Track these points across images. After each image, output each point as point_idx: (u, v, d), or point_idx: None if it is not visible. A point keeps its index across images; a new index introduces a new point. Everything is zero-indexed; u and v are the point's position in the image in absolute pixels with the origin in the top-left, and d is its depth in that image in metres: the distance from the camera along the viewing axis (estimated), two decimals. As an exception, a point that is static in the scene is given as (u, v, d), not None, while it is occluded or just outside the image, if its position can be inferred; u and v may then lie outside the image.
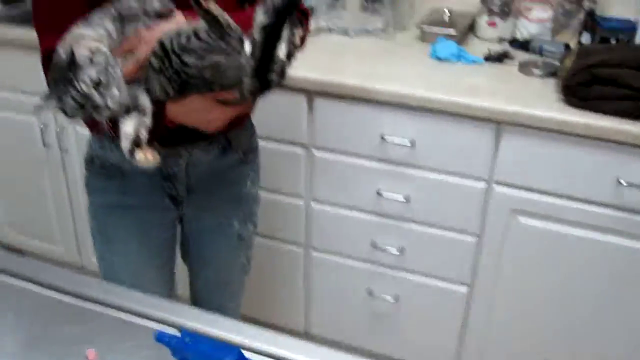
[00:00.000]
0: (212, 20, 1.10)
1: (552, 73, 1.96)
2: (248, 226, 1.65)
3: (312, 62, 2.07)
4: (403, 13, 2.34)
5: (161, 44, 1.11)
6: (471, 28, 2.34)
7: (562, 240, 1.91)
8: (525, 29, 2.24)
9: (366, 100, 1.95)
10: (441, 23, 2.26)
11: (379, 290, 2.23)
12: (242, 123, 1.51)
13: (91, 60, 1.03)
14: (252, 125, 1.60)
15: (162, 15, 1.16)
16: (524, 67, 2.02)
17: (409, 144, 1.95)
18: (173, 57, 1.10)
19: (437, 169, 1.97)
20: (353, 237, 2.18)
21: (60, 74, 1.03)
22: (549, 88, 1.90)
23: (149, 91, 1.15)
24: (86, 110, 1.04)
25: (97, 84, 1.02)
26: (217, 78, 1.13)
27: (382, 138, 1.98)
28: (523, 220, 1.93)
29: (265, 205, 2.22)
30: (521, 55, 2.14)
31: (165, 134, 1.22)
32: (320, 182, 2.14)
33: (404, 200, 2.04)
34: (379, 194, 2.06)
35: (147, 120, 1.14)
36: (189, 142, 1.42)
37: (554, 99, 1.83)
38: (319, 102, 2.01)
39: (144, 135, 1.14)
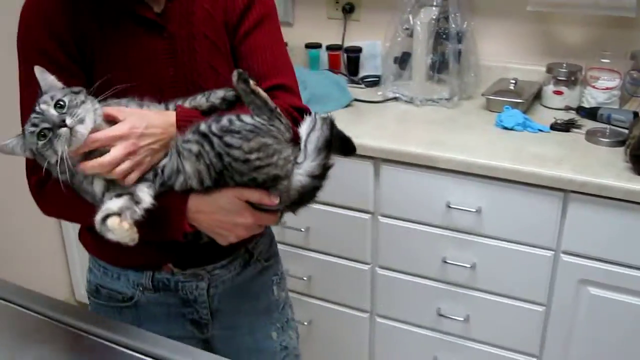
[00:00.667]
0: (261, 103, 1.12)
1: (620, 142, 1.95)
2: (289, 333, 1.55)
3: (379, 130, 2.13)
4: (468, 83, 2.39)
5: (197, 130, 1.10)
6: (537, 96, 2.35)
7: (633, 311, 1.86)
8: (593, 97, 2.24)
9: (432, 168, 1.98)
10: (507, 92, 2.29)
11: (445, 359, 2.20)
12: (264, 230, 1.41)
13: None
14: (271, 229, 1.53)
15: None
16: (591, 136, 2.02)
17: (474, 212, 1.96)
18: (214, 139, 1.08)
19: (503, 237, 1.97)
20: (418, 304, 2.17)
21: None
22: (617, 157, 1.88)
23: (163, 184, 1.13)
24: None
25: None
26: (264, 162, 1.10)
27: (448, 206, 1.99)
28: (592, 290, 1.89)
29: (331, 270, 2.25)
30: (588, 124, 2.13)
31: (181, 241, 1.18)
32: (385, 248, 2.16)
33: (470, 268, 2.03)
34: (444, 261, 2.06)
35: (138, 212, 1.08)
36: (209, 262, 1.35)
37: (622, 168, 1.81)
38: (385, 169, 2.05)
39: (127, 218, 1.06)
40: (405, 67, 2.39)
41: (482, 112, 2.30)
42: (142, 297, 1.36)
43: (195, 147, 1.10)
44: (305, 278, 2.32)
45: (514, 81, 2.33)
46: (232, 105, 1.21)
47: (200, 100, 1.21)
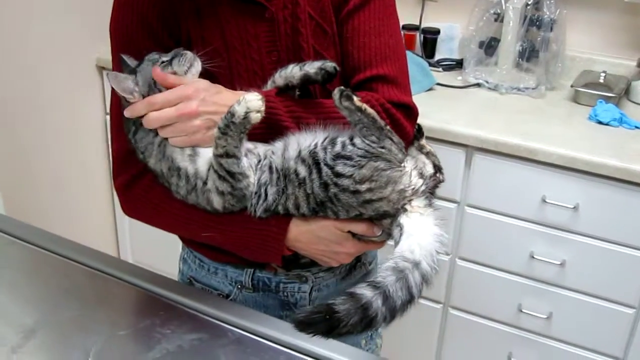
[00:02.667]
0: (369, 122, 1.01)
1: None
2: (376, 341, 1.45)
3: (469, 117, 2.06)
4: (554, 73, 2.31)
5: (313, 154, 1.01)
6: (625, 92, 2.28)
7: None
8: (686, 96, 2.17)
9: (529, 160, 1.91)
10: (597, 85, 2.22)
11: (521, 356, 2.15)
12: None
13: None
14: None
15: None
16: (694, 136, 1.96)
17: (572, 208, 1.89)
18: (325, 168, 1.00)
19: (599, 235, 1.90)
20: (497, 298, 2.11)
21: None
22: None
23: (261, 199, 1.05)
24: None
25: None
26: (376, 196, 1.00)
27: (544, 200, 1.92)
28: (692, 296, 1.84)
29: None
30: (685, 123, 2.07)
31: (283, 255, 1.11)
32: (468, 240, 2.09)
33: (559, 265, 1.97)
34: (532, 256, 2.00)
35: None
36: (315, 264, 1.21)
37: None
38: (478, 159, 1.98)
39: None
40: (491, 53, 2.31)
41: (569, 104, 2.22)
42: (239, 295, 1.26)
43: (303, 172, 1.02)
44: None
45: (603, 74, 2.26)
46: (330, 78, 1.07)
47: (292, 70, 1.08)
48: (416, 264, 0.95)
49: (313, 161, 1.01)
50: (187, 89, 1.02)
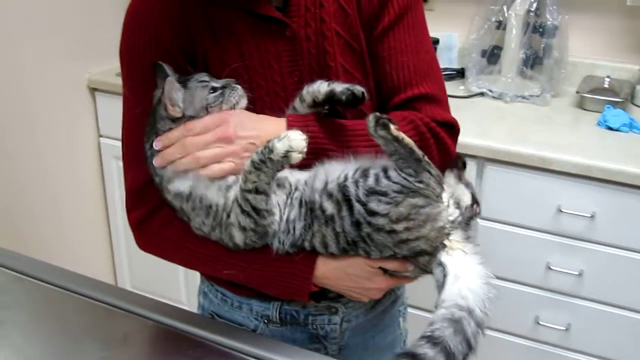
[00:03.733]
0: (406, 153, 0.91)
1: None
2: None
3: (477, 127, 2.01)
4: (558, 79, 2.28)
5: (343, 189, 0.94)
6: (630, 96, 2.26)
7: None
8: (692, 99, 2.15)
9: (543, 170, 1.87)
10: (603, 91, 2.19)
11: (539, 369, 2.10)
12: None
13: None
14: None
15: None
16: None
17: (588, 217, 1.86)
18: (357, 205, 0.92)
19: (617, 244, 1.87)
20: (514, 311, 2.06)
21: None
22: None
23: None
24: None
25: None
26: (413, 235, 0.93)
27: (559, 210, 1.88)
28: None
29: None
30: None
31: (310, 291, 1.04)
32: (483, 252, 2.04)
33: (577, 275, 1.93)
34: (549, 267, 1.95)
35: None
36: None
37: None
38: (490, 170, 1.94)
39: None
40: (495, 61, 2.28)
41: (575, 110, 2.19)
42: (265, 330, 1.18)
43: (330, 208, 0.95)
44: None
45: (608, 79, 2.23)
46: (355, 103, 1.00)
47: (320, 86, 1.01)
48: (470, 312, 0.88)
49: (343, 197, 0.94)
50: (225, 113, 0.97)
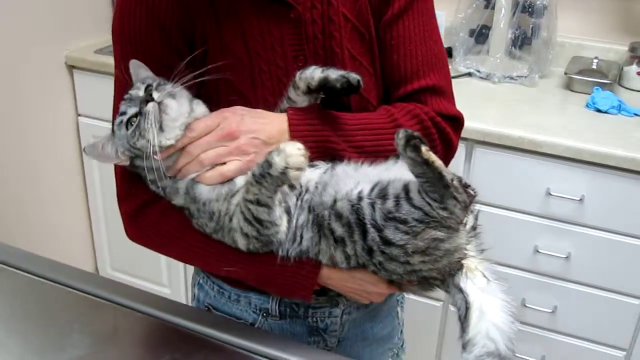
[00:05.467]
0: (435, 177, 0.84)
1: None
2: (402, 357, 1.37)
3: (466, 109, 1.97)
4: (546, 60, 2.25)
5: (357, 210, 0.87)
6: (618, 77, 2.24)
7: None
8: (680, 80, 2.14)
9: (533, 152, 1.85)
10: (591, 72, 2.17)
11: (525, 351, 2.10)
12: None
13: None
14: None
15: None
16: (695, 122, 1.93)
17: (577, 200, 1.85)
18: (371, 230, 0.86)
19: (605, 227, 1.86)
20: (501, 294, 2.06)
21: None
22: None
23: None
24: None
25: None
26: (426, 267, 0.87)
27: (549, 193, 1.87)
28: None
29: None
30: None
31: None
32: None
33: (564, 258, 1.92)
34: (537, 250, 1.95)
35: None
36: None
37: None
38: (480, 152, 1.92)
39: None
40: (483, 41, 2.25)
41: (563, 91, 2.18)
42: (264, 323, 1.14)
43: (340, 231, 0.89)
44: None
45: (596, 60, 2.21)
46: (350, 91, 0.96)
47: (313, 72, 0.96)
48: (501, 357, 0.85)
49: (356, 220, 0.87)
50: (223, 110, 0.93)
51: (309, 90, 0.98)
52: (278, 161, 0.86)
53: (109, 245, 2.70)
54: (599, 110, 2.01)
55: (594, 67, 2.19)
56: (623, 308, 1.93)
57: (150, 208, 1.01)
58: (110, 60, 2.33)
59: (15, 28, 2.22)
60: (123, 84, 0.98)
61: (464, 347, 0.87)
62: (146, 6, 0.96)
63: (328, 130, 0.97)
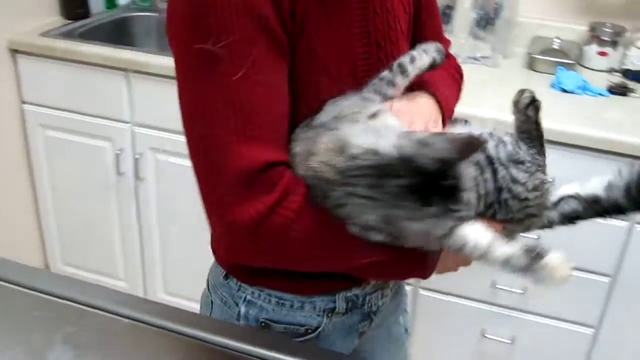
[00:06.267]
0: (537, 136, 0.95)
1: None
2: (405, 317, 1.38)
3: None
4: (507, 40, 2.25)
5: (484, 150, 0.91)
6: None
7: None
8: (638, 59, 2.17)
9: (504, 134, 1.84)
10: (554, 52, 2.18)
11: (495, 332, 2.11)
12: None
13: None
14: None
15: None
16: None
17: (549, 182, 1.84)
18: (501, 169, 0.90)
19: (575, 207, 1.87)
20: (469, 273, 2.06)
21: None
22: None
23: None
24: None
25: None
26: (536, 202, 0.94)
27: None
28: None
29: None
30: (637, 87, 2.07)
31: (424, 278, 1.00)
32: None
33: (536, 238, 1.93)
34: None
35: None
36: None
37: None
38: (450, 135, 1.89)
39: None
40: (447, 21, 2.22)
41: (527, 72, 2.18)
42: (328, 324, 1.09)
43: (472, 171, 0.89)
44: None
45: (557, 40, 2.22)
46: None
47: (423, 59, 0.97)
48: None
49: (485, 159, 0.90)
50: (394, 112, 0.95)
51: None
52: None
53: (60, 239, 2.57)
54: (564, 90, 2.01)
55: (556, 47, 2.20)
56: (591, 286, 1.95)
57: (282, 206, 0.86)
58: (57, 43, 2.20)
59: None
60: (225, 63, 0.83)
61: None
62: None
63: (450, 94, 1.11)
